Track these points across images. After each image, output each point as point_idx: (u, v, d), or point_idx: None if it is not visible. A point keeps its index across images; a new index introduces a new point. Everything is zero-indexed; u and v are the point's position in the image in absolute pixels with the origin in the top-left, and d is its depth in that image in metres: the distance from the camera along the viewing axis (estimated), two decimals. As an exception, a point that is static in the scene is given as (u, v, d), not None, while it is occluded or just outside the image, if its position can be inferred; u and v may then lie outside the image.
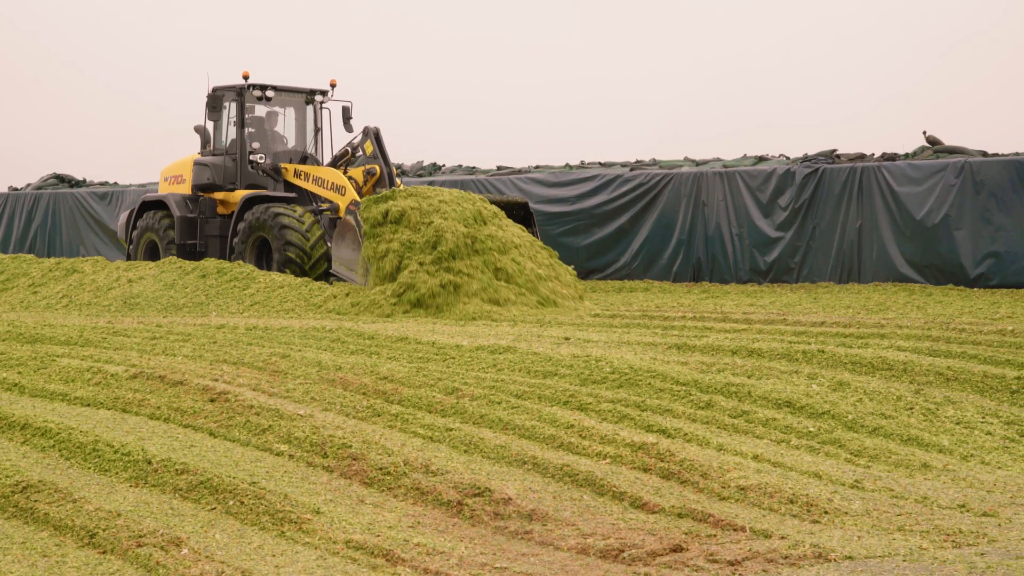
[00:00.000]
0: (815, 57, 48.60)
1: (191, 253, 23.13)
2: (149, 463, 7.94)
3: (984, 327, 14.70)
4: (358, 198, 21.19)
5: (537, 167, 29.19)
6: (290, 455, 8.43)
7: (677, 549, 6.42)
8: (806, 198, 24.09)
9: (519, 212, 21.74)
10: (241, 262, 21.32)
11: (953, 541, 6.52)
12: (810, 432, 9.08)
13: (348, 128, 23.64)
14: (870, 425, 9.29)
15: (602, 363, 11.23)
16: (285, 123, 24.11)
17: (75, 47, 57.79)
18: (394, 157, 23.05)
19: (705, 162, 26.62)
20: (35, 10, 59.34)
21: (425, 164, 31.17)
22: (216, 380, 10.82)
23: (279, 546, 6.55)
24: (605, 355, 11.75)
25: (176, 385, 10.54)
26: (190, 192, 23.70)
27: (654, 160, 27.41)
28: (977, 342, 13.16)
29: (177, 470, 7.77)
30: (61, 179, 35.63)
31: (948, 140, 24.10)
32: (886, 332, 14.09)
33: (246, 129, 23.30)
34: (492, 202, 20.61)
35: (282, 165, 23.23)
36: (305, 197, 22.91)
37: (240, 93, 23.17)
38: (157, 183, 32.85)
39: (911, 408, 9.96)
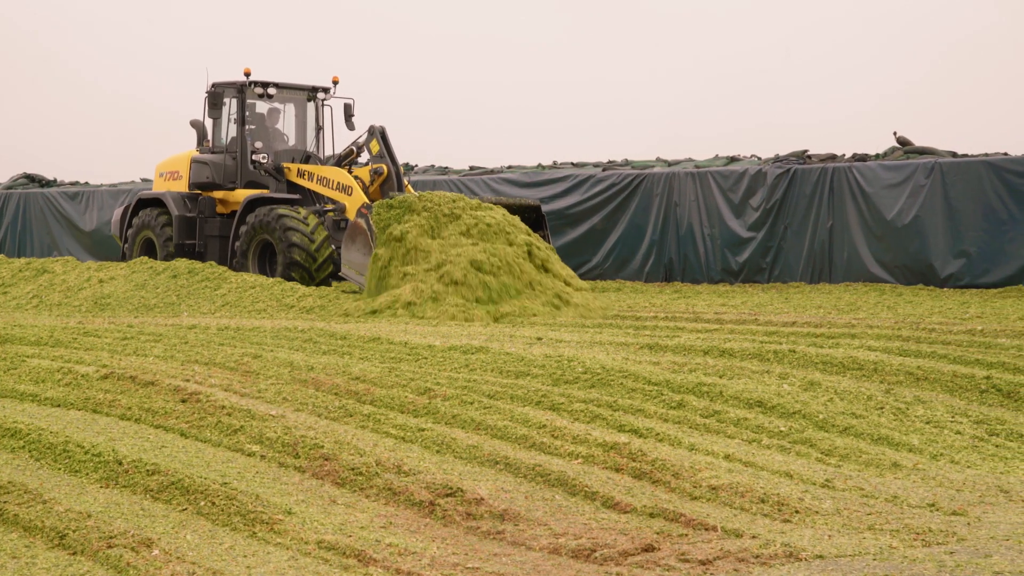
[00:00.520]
0: (814, 58, 48.89)
1: (190, 253, 22.67)
2: (120, 464, 7.91)
3: (954, 327, 14.79)
4: (366, 199, 20.94)
5: (510, 167, 29.14)
6: (262, 456, 8.41)
7: (649, 549, 6.44)
8: (777, 198, 24.17)
9: (531, 215, 21.23)
10: (213, 263, 21.14)
11: (923, 540, 6.56)
12: (781, 432, 9.12)
13: (350, 126, 23.19)
14: (841, 425, 9.33)
15: (574, 363, 11.24)
16: (285, 121, 23.66)
17: (45, 43, 57.43)
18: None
19: (677, 162, 26.66)
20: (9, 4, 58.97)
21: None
22: (188, 380, 10.78)
23: (251, 547, 6.53)
24: (577, 355, 11.76)
25: (147, 386, 10.50)
26: (187, 190, 23.20)
27: (626, 160, 27.43)
28: (947, 342, 13.24)
29: (148, 471, 7.74)
30: (31, 179, 35.41)
31: (918, 141, 24.25)
32: (857, 332, 14.16)
33: (247, 127, 22.91)
34: (503, 205, 20.17)
35: (284, 164, 22.82)
36: (308, 197, 22.48)
37: (241, 90, 22.72)
38: (130, 184, 32.78)
39: (881, 408, 10.01)
